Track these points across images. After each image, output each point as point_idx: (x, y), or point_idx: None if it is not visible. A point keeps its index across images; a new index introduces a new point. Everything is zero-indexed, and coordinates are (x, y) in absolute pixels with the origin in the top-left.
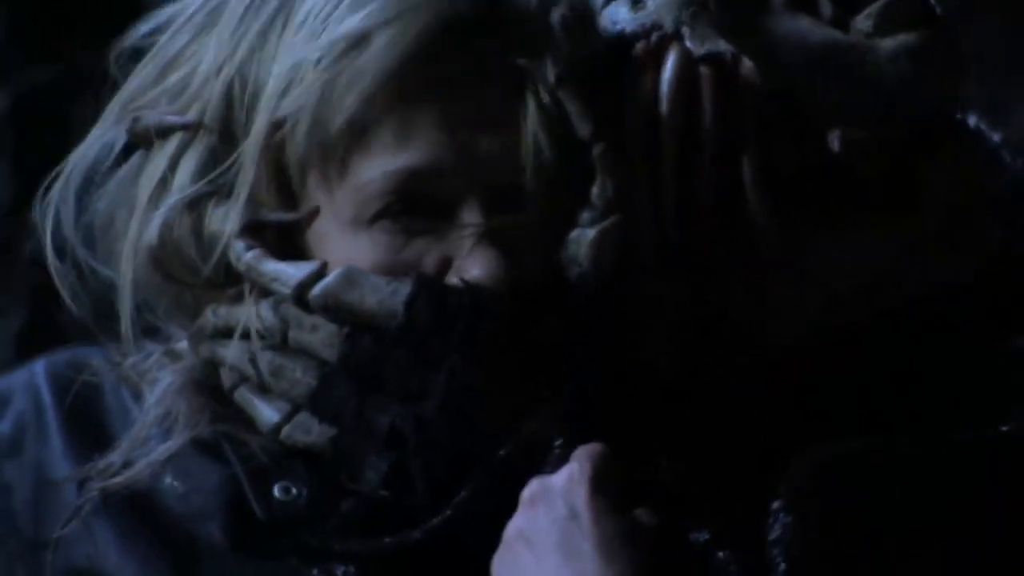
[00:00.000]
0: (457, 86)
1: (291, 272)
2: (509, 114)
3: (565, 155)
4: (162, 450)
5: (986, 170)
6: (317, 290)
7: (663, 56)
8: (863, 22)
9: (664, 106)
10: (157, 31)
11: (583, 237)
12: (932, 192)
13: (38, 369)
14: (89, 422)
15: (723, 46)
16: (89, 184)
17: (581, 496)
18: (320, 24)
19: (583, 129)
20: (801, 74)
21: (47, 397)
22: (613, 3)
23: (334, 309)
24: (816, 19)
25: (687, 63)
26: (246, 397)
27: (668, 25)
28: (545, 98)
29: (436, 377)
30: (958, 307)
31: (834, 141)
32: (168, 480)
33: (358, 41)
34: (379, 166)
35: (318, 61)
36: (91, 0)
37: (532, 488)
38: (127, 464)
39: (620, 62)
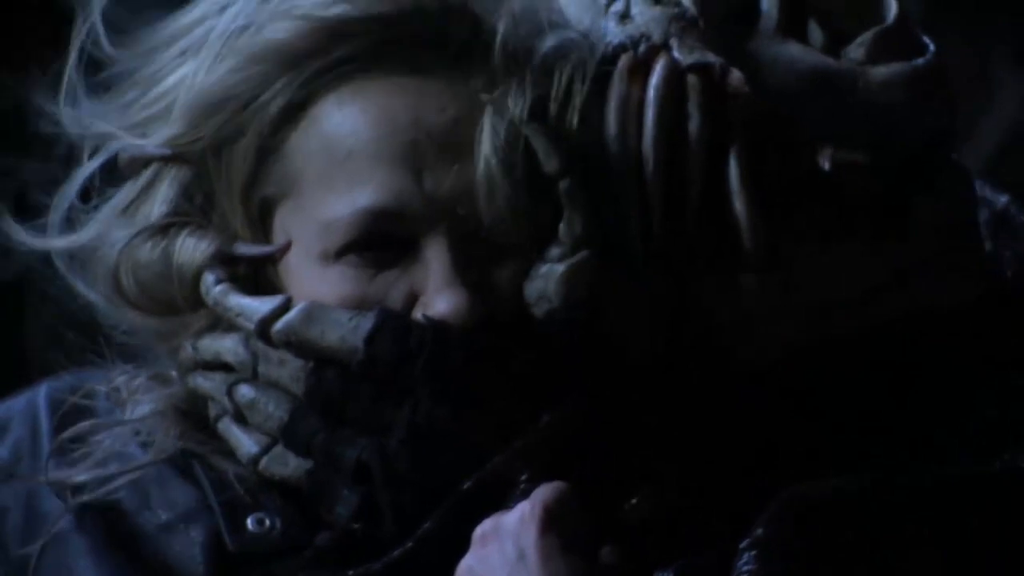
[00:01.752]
0: (421, 120)
1: (255, 307)
2: (468, 143)
3: (522, 186)
4: (133, 466)
5: (971, 203)
6: (279, 326)
7: (651, 66)
8: (855, 50)
9: (650, 113)
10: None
11: (551, 272)
12: (920, 220)
13: (40, 394)
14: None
15: (711, 57)
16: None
17: (531, 536)
18: None
19: (550, 165)
20: (791, 98)
21: (44, 423)
22: (602, 19)
23: (296, 345)
24: (808, 45)
25: (675, 72)
26: (228, 428)
27: (656, 37)
28: (501, 130)
29: (400, 412)
30: (952, 334)
31: (825, 161)
32: (143, 502)
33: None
34: (344, 204)
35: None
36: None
37: (484, 527)
38: (102, 481)
39: (607, 78)
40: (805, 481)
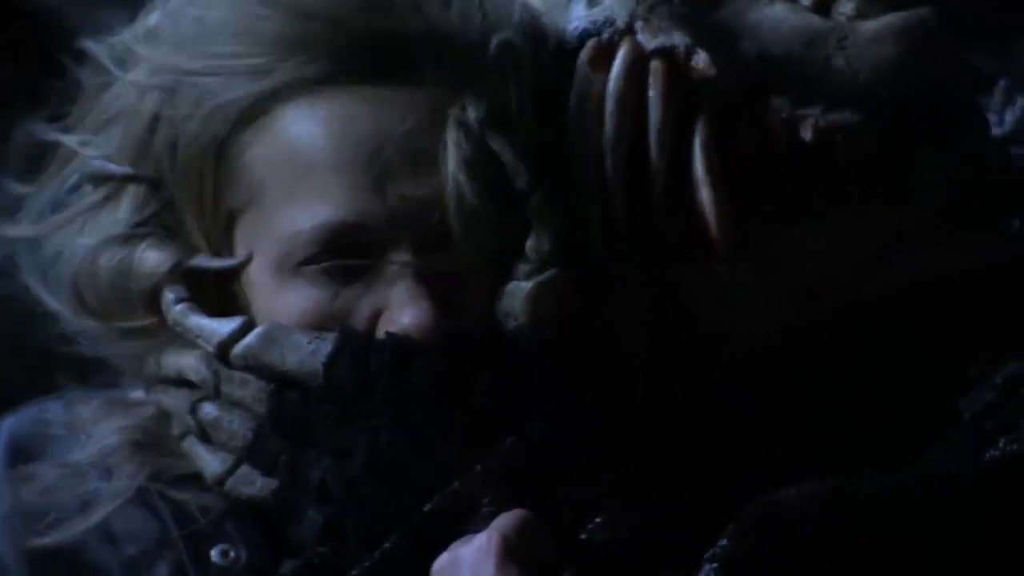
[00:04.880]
0: (382, 131)
1: (214, 328)
2: (430, 153)
3: (491, 201)
4: (90, 516)
5: (993, 160)
6: (237, 349)
7: (613, 54)
8: (845, 5)
9: (610, 102)
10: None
11: (517, 290)
12: (926, 178)
13: (1, 432)
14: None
15: (677, 39)
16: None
17: (489, 569)
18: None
19: (519, 182)
20: (776, 62)
21: (1, 459)
22: (572, 1)
23: (256, 368)
24: (795, 4)
25: (637, 58)
26: (192, 447)
27: (621, 20)
28: (465, 145)
29: (361, 435)
30: (952, 308)
31: (807, 131)
32: (107, 536)
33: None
34: (306, 218)
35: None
36: None
37: (441, 561)
38: (51, 521)
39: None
40: (782, 487)
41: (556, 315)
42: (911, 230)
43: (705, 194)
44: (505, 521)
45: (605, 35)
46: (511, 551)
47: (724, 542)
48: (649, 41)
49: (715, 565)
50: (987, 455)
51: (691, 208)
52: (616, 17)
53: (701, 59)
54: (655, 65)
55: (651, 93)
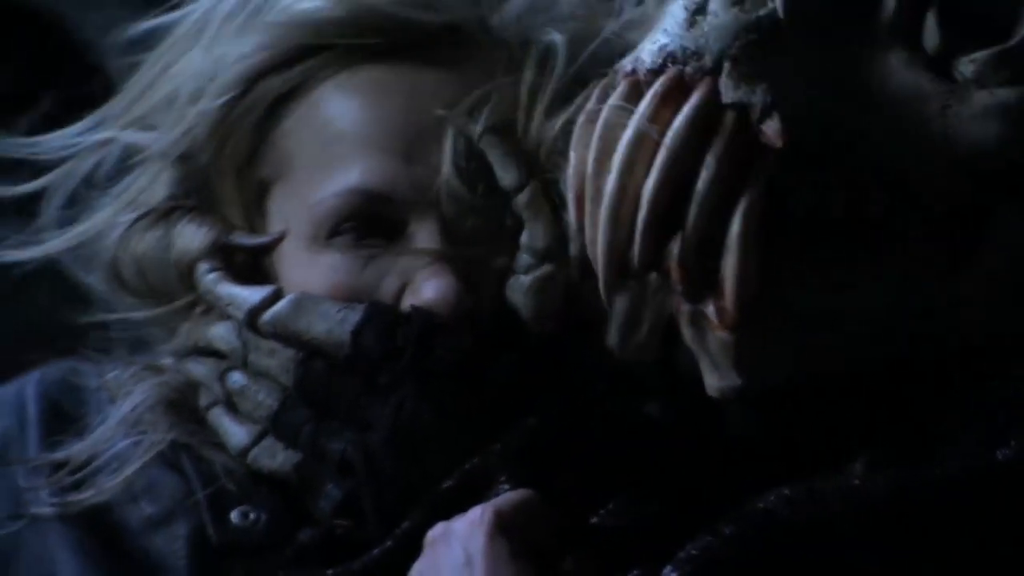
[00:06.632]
0: (414, 106)
1: (244, 296)
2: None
3: (479, 196)
4: (123, 472)
5: None
6: (267, 316)
7: (687, 95)
8: (966, 65)
9: (663, 153)
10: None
11: (517, 284)
12: (993, 244)
13: (30, 382)
14: (67, 436)
15: (758, 95)
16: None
17: (479, 541)
18: None
19: (506, 179)
20: (867, 121)
21: (32, 412)
22: (674, 3)
23: (284, 336)
24: (915, 52)
25: (707, 108)
26: (218, 418)
27: (710, 56)
28: (459, 144)
29: (384, 410)
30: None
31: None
32: (129, 495)
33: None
34: (332, 184)
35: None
36: None
37: (435, 531)
38: (85, 477)
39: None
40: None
41: (557, 309)
42: (968, 296)
43: (731, 263)
44: (504, 498)
45: (689, 68)
46: (504, 527)
47: (699, 543)
48: (729, 91)
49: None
50: (999, 455)
51: (714, 266)
52: (707, 51)
53: (773, 127)
54: (723, 124)
55: (709, 157)
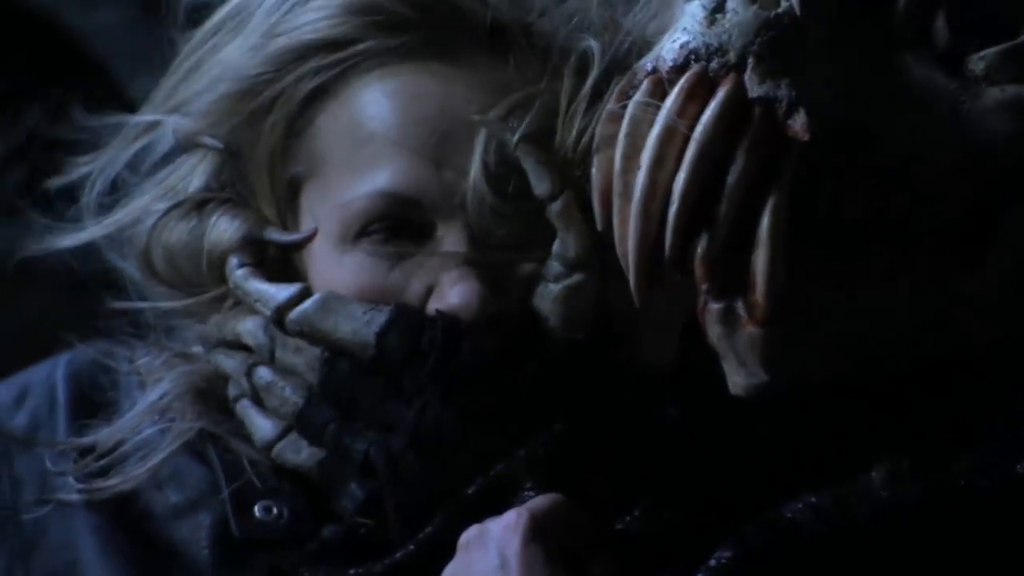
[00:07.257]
0: (447, 110)
1: (272, 293)
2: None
3: (509, 203)
4: (150, 460)
5: None
6: (293, 315)
7: (713, 91)
8: (976, 62)
9: (693, 147)
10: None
11: (547, 292)
12: (1004, 244)
13: (60, 364)
14: (96, 420)
15: (783, 90)
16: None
17: (514, 545)
18: None
19: (540, 187)
20: (882, 119)
21: (62, 394)
22: (691, 2)
23: (310, 335)
24: (925, 50)
25: (735, 103)
26: (246, 411)
27: (734, 51)
28: (490, 149)
29: (407, 411)
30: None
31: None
32: (155, 483)
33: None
34: (362, 185)
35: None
36: None
37: (469, 533)
38: (112, 464)
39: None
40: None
41: (585, 318)
42: (980, 295)
43: (762, 258)
44: (538, 502)
45: (713, 64)
46: (539, 530)
47: (726, 552)
48: (754, 86)
49: None
50: (1019, 468)
51: (739, 263)
52: (730, 47)
53: (799, 121)
54: (752, 118)
55: (739, 151)
